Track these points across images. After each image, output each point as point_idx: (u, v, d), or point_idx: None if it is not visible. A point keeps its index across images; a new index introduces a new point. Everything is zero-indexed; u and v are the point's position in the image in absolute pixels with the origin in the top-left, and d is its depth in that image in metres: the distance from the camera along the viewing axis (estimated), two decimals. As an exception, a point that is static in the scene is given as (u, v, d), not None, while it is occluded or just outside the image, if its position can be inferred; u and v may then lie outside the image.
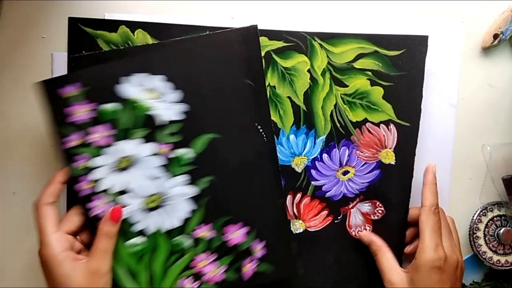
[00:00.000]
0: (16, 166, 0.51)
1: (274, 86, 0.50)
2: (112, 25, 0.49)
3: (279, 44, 0.49)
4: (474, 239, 0.54)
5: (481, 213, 0.54)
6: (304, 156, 0.51)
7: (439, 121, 0.53)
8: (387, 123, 0.50)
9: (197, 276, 0.46)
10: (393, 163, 0.51)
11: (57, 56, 0.50)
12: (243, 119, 0.46)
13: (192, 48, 0.46)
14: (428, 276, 0.44)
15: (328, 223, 0.51)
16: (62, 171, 0.45)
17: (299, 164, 0.51)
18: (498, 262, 0.54)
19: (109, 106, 0.44)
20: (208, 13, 0.51)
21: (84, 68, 0.44)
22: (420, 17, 0.53)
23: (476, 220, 0.54)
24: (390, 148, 0.51)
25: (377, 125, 0.51)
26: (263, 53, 0.49)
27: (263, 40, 0.49)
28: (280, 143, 0.50)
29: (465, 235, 0.54)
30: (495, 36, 0.52)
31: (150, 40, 0.49)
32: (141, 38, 0.49)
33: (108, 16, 0.50)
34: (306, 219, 0.51)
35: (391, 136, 0.51)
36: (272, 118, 0.49)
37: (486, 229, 0.54)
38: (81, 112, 0.44)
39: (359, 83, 0.50)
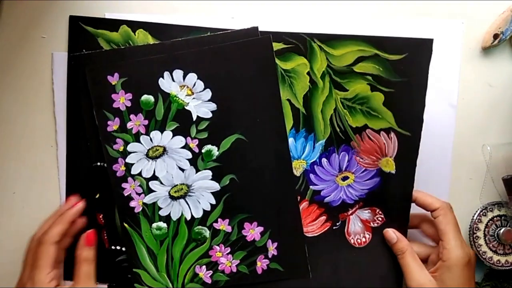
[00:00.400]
0: (16, 166, 0.51)
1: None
2: (113, 24, 0.49)
3: (279, 45, 0.49)
4: (474, 239, 0.54)
5: (481, 213, 0.54)
6: (303, 160, 0.50)
7: (439, 121, 0.53)
8: (387, 131, 0.49)
9: (212, 265, 0.49)
10: (394, 172, 0.49)
11: (57, 56, 0.50)
12: (267, 123, 0.48)
13: (221, 48, 0.48)
14: (462, 274, 0.45)
15: (326, 228, 0.50)
16: (72, 211, 0.47)
17: (297, 168, 0.50)
18: (498, 262, 0.54)
19: (146, 98, 0.48)
20: (208, 13, 0.51)
21: (123, 61, 0.48)
22: (420, 17, 0.53)
23: (476, 220, 0.54)
24: (390, 157, 0.49)
25: (378, 132, 0.49)
26: None
27: None
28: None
29: (465, 235, 0.54)
30: (495, 36, 0.52)
31: (151, 40, 0.49)
32: (142, 38, 0.49)
33: (108, 16, 0.50)
34: (304, 223, 0.50)
35: (391, 145, 0.49)
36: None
37: (486, 229, 0.54)
38: (123, 99, 0.48)
39: (359, 87, 0.49)
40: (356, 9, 0.52)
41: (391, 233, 0.49)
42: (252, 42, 0.48)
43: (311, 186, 0.50)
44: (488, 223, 0.54)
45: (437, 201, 0.48)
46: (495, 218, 0.54)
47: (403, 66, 0.48)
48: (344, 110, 0.49)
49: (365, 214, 0.50)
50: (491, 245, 0.54)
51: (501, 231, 0.53)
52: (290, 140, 0.49)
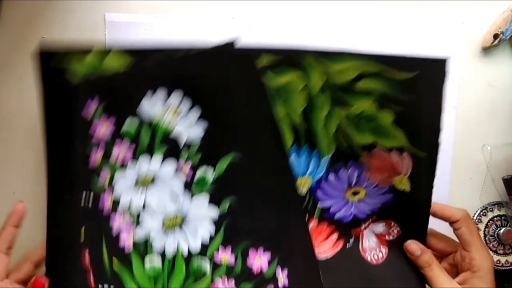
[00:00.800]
0: (16, 166, 0.51)
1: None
2: (82, 51, 0.43)
3: (269, 58, 0.43)
4: (474, 239, 0.54)
5: (481, 213, 0.54)
6: (308, 176, 0.45)
7: (439, 121, 0.53)
8: (399, 149, 0.44)
9: None
10: (408, 190, 0.45)
11: (57, 56, 0.50)
12: (265, 139, 0.44)
13: (204, 61, 0.43)
14: (492, 280, 0.43)
15: (339, 248, 0.46)
16: (15, 214, 0.43)
17: (303, 185, 0.45)
18: (498, 262, 0.54)
19: (129, 122, 0.43)
20: (208, 13, 0.51)
21: (101, 81, 0.42)
22: (420, 17, 0.53)
23: (476, 220, 0.54)
24: (405, 175, 0.44)
25: (389, 150, 0.44)
26: None
27: None
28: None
29: (465, 235, 0.54)
30: (495, 36, 0.52)
31: (126, 60, 0.43)
32: (116, 60, 0.43)
33: (108, 16, 0.50)
34: (315, 244, 0.45)
35: (405, 164, 0.44)
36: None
37: (486, 229, 0.54)
38: (103, 128, 0.43)
39: (364, 105, 0.43)
40: (355, 9, 0.52)
41: (414, 245, 0.45)
42: (232, 55, 0.43)
43: (319, 203, 0.46)
44: (488, 223, 0.54)
45: (457, 212, 0.45)
46: (495, 218, 0.54)
47: (412, 85, 0.43)
48: (350, 126, 0.44)
49: (379, 227, 0.47)
50: (491, 245, 0.54)
51: (501, 231, 0.53)
52: (293, 156, 0.45)
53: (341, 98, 0.43)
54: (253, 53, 0.43)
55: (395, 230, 0.46)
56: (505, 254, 0.54)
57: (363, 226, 0.46)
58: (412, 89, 0.43)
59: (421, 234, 0.45)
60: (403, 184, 0.45)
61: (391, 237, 0.46)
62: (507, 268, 0.54)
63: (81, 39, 0.51)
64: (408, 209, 0.45)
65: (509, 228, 0.54)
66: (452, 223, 0.45)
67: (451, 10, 0.53)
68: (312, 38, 0.52)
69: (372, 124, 0.44)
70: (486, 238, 0.54)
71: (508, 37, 0.52)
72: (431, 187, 0.44)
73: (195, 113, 0.43)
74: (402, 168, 0.44)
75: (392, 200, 0.45)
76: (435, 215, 0.46)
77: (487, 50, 0.54)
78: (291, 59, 0.43)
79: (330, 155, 0.45)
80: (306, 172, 0.45)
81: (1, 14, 0.51)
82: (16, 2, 0.51)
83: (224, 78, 0.43)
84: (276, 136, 0.44)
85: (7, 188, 0.51)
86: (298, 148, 0.45)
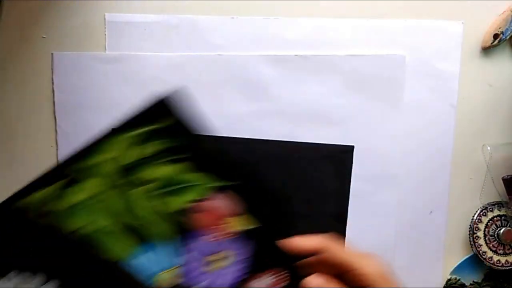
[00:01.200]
0: (16, 166, 0.51)
1: (78, 229, 0.41)
2: None
3: (44, 192, 0.42)
4: (474, 239, 0.54)
5: (481, 213, 0.54)
6: (170, 268, 0.42)
7: (439, 121, 0.53)
8: (212, 192, 0.41)
9: None
10: (257, 226, 0.41)
11: (57, 56, 0.50)
12: (101, 265, 0.42)
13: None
14: (390, 281, 0.39)
15: None
16: None
17: (165, 280, 0.42)
18: (498, 262, 0.54)
19: None
20: (208, 13, 0.51)
21: None
22: (420, 17, 0.53)
23: (476, 220, 0.54)
24: (239, 215, 0.41)
25: (203, 200, 0.41)
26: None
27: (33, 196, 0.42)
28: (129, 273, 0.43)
29: (465, 235, 0.54)
30: (495, 36, 0.52)
31: None
32: None
33: (108, 16, 0.50)
34: None
35: (228, 202, 0.41)
36: (104, 255, 0.42)
37: (486, 229, 0.54)
38: None
39: (157, 171, 0.41)
40: (355, 8, 0.52)
41: (316, 280, 0.40)
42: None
43: (198, 285, 0.42)
44: (488, 223, 0.54)
45: (311, 241, 0.41)
46: (495, 218, 0.54)
47: (176, 128, 0.41)
48: (158, 200, 0.41)
49: (266, 279, 0.43)
50: (491, 245, 0.54)
51: (501, 231, 0.53)
52: (137, 260, 0.42)
53: (132, 179, 0.41)
54: (17, 196, 0.43)
55: (283, 275, 0.42)
56: (505, 254, 0.54)
57: (250, 284, 0.43)
58: (179, 130, 0.41)
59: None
60: (245, 223, 0.42)
61: (286, 282, 0.42)
62: (507, 268, 0.54)
63: (81, 40, 0.51)
64: (273, 246, 0.42)
65: (509, 228, 0.54)
66: (315, 254, 0.41)
67: (451, 10, 0.53)
68: (311, 38, 0.52)
69: (173, 186, 0.41)
70: (486, 238, 0.54)
71: (508, 37, 0.52)
72: (277, 215, 0.41)
73: (39, 280, 0.43)
74: (230, 208, 0.41)
75: (254, 245, 0.42)
76: (293, 253, 0.41)
77: (487, 50, 0.54)
78: (65, 180, 0.41)
79: (170, 239, 0.42)
80: (161, 268, 0.43)
81: (2, 14, 0.51)
82: (16, 2, 0.51)
83: (16, 236, 0.42)
84: (99, 257, 0.42)
85: (7, 189, 0.51)
86: (137, 249, 0.42)
